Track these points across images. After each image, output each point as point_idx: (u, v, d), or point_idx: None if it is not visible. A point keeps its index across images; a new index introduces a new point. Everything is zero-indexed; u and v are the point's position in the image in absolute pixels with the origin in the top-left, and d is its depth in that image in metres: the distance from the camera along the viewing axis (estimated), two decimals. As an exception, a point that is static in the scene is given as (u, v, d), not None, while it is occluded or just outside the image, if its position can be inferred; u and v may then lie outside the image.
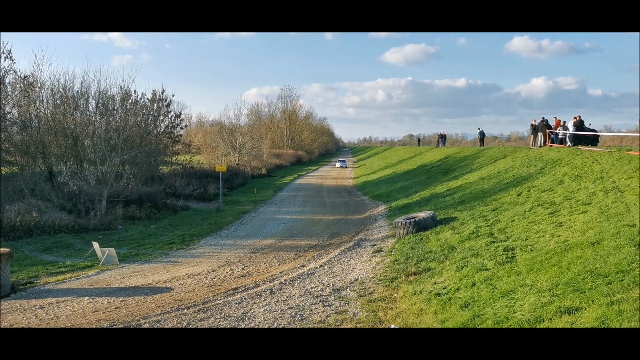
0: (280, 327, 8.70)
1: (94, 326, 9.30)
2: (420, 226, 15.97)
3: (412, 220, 16.28)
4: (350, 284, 11.80)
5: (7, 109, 26.67)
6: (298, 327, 9.12)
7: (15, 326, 9.35)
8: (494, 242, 12.34)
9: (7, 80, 26.33)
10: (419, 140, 77.32)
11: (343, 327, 8.97)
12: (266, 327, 9.12)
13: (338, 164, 69.23)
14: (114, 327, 9.25)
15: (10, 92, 26.66)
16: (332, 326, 9.11)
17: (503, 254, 11.03)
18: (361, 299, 10.64)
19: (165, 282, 12.47)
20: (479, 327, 7.59)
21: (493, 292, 8.91)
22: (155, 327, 9.23)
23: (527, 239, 11.73)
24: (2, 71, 25.82)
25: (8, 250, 11.91)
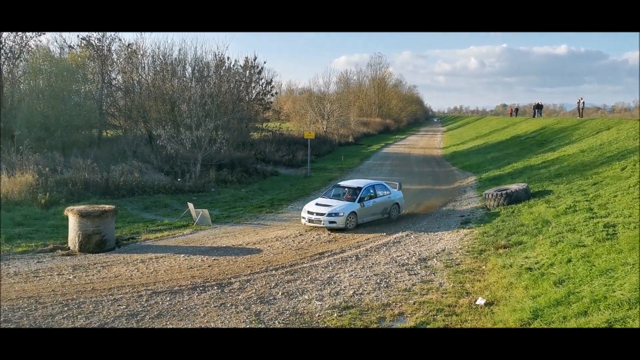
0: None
1: (189, 282, 9.85)
2: (512, 198, 15.36)
3: (504, 192, 15.69)
4: (437, 254, 11.66)
5: (113, 74, 28.43)
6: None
7: (119, 277, 10.10)
8: (593, 217, 11.63)
9: (112, 48, 28.00)
10: (516, 110, 70.57)
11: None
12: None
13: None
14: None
15: (115, 59, 28.34)
16: (417, 294, 9.08)
17: (603, 231, 10.39)
18: (448, 270, 10.49)
19: (255, 243, 12.93)
20: (573, 304, 7.26)
21: (590, 269, 8.47)
22: (237, 286, 9.62)
23: (630, 216, 10.94)
24: (109, 39, 27.49)
25: (113, 207, 12.81)
